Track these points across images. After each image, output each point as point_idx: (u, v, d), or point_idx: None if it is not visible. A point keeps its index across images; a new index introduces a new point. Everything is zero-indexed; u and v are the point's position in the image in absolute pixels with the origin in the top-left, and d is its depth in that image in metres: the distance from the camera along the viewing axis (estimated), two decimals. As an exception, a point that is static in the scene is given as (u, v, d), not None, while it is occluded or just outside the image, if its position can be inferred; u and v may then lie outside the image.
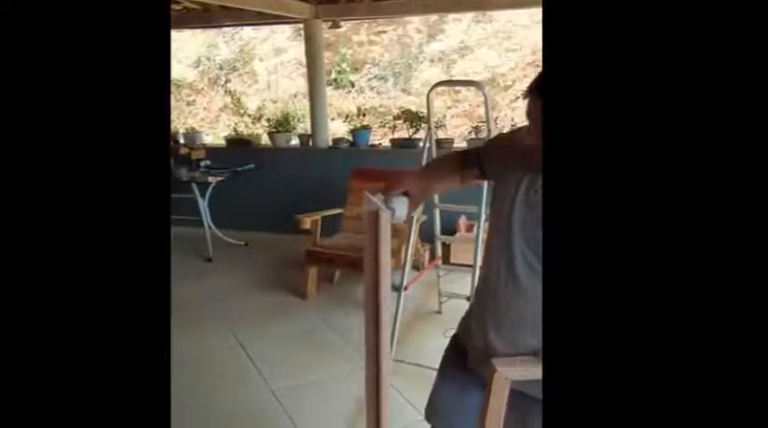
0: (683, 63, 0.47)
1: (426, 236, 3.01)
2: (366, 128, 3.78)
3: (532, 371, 0.84)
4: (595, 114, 0.51)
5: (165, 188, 0.61)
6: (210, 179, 3.60)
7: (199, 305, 2.94)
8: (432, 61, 7.84)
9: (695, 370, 0.49)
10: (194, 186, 3.63)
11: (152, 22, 0.57)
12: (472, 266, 2.19)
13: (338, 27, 3.90)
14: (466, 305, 2.06)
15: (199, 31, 7.36)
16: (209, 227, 3.76)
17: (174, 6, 3.81)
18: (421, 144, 3.23)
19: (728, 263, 0.47)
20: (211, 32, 7.76)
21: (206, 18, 4.16)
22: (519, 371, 0.86)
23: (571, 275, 0.53)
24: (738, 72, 0.46)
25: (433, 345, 2.25)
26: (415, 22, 7.88)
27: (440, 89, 2.72)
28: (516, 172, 0.91)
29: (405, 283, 2.32)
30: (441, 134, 4.25)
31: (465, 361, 1.04)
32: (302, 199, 3.40)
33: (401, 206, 0.92)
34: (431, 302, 2.82)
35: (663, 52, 0.48)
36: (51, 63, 0.53)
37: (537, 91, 0.78)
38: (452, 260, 3.13)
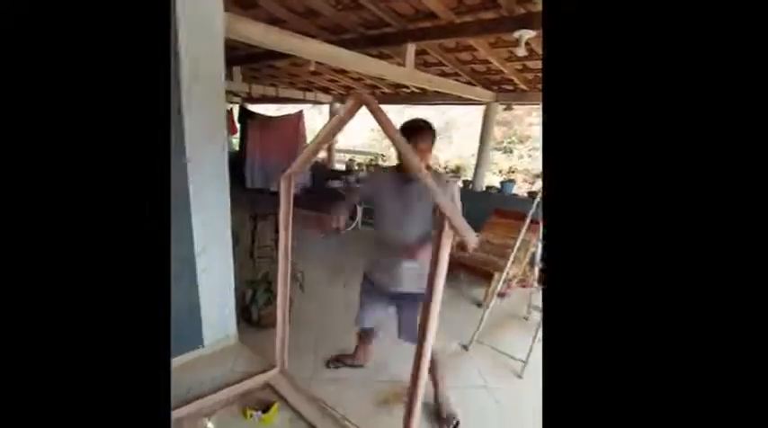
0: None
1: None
2: (511, 180, 4.88)
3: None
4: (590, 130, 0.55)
5: (165, 177, 0.67)
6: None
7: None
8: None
9: (694, 369, 0.50)
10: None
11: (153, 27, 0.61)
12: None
13: (510, 109, 5.19)
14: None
15: (423, 107, 10.55)
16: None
17: (404, 89, 5.79)
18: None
19: (717, 271, 0.49)
20: (428, 108, 11.02)
21: (425, 98, 6.08)
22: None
23: (570, 278, 0.55)
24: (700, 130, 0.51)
25: (511, 338, 2.99)
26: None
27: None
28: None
29: (500, 290, 3.11)
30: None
31: (372, 286, 1.96)
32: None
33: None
34: (523, 310, 3.55)
35: (650, 62, 0.53)
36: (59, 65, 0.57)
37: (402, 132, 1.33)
38: (549, 283, 3.74)
